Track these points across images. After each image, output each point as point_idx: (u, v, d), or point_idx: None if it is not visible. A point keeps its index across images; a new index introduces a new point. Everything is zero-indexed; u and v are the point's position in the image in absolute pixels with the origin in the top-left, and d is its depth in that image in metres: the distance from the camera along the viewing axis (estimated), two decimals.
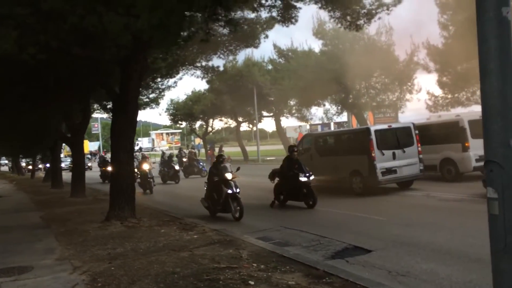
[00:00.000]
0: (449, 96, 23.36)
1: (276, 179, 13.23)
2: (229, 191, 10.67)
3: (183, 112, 45.73)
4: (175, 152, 37.59)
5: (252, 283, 5.36)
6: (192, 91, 44.98)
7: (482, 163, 14.98)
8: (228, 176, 10.92)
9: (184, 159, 28.16)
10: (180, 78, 22.21)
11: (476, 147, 13.90)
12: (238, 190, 10.76)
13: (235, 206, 10.66)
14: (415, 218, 9.49)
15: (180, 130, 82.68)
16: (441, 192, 12.61)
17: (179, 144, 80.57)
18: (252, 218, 11.02)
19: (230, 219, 10.83)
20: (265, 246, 7.56)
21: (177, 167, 23.40)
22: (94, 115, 24.96)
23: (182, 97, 48.32)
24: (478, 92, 22.50)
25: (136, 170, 21.32)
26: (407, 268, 5.92)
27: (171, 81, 21.42)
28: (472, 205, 10.42)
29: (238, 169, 11.63)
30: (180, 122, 50.26)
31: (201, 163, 27.13)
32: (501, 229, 2.90)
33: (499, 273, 2.93)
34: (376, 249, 7.02)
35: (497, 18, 2.86)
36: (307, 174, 12.12)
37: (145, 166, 18.72)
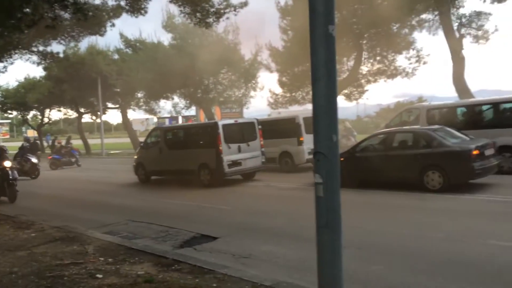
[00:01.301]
0: (288, 94, 25.55)
1: None
2: None
3: (13, 100, 40.82)
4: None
5: (100, 276, 5.30)
6: (26, 78, 40.49)
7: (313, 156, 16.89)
8: None
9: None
10: (12, 63, 19.78)
11: (308, 142, 15.62)
12: None
13: None
14: (257, 206, 10.35)
15: (9, 121, 73.32)
16: (279, 182, 13.89)
17: (8, 136, 71.53)
18: (97, 213, 10.64)
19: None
20: (112, 240, 7.46)
21: (34, 160, 20.42)
22: None
23: (13, 83, 42.88)
24: (311, 93, 25.16)
25: None
26: (249, 251, 6.51)
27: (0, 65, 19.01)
28: (305, 193, 11.72)
29: None
30: (9, 111, 44.75)
31: (76, 153, 25.03)
32: (324, 208, 3.51)
33: (322, 245, 3.52)
34: (222, 236, 7.50)
35: (324, 34, 3.42)
36: None
37: (7, 164, 13.32)
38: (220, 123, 14.37)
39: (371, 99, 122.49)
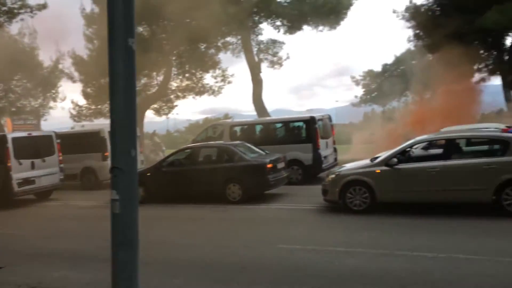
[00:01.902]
0: (93, 107, 24.17)
1: None
2: None
3: None
4: None
5: None
6: None
7: None
8: None
9: None
10: None
11: None
12: None
13: None
14: (51, 229, 9.42)
15: None
16: (80, 201, 12.94)
17: None
18: None
19: None
20: None
21: None
22: None
23: None
24: None
25: None
26: (39, 278, 5.84)
27: None
28: (106, 210, 10.95)
29: None
30: None
31: None
32: (121, 226, 3.39)
33: (117, 264, 3.37)
34: (6, 265, 6.57)
35: (124, 46, 3.33)
36: None
37: None
38: (10, 135, 12.69)
39: (181, 114, 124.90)
